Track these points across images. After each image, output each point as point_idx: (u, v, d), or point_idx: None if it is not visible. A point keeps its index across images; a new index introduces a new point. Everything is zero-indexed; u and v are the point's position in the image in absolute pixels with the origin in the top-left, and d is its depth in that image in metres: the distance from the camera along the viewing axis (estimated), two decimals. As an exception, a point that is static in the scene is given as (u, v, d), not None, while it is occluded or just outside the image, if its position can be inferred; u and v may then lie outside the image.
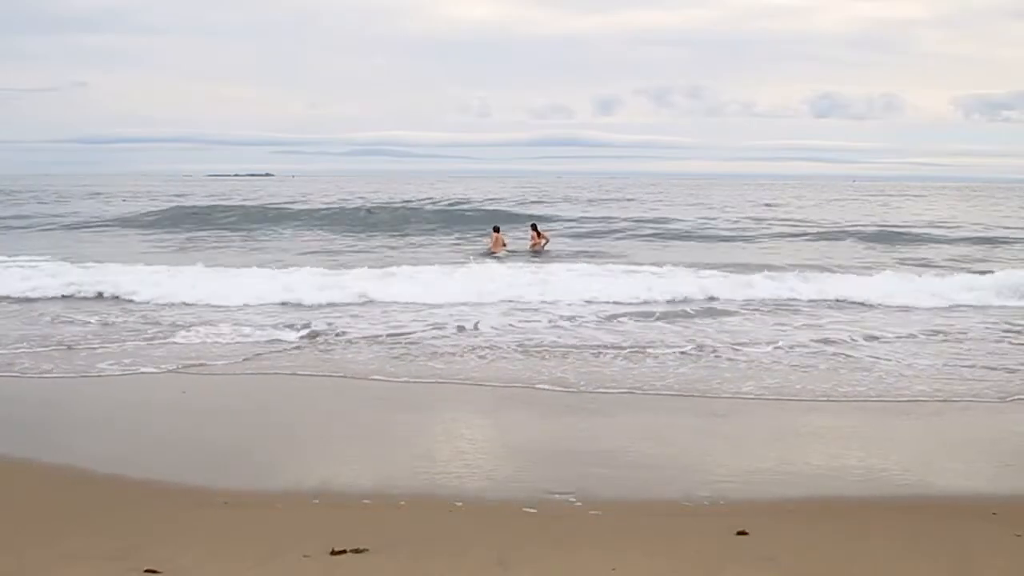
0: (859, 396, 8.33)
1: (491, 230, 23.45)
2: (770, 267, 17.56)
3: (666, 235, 29.55)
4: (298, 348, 10.51)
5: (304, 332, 11.33)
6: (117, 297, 14.23)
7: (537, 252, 22.57)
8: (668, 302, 14.13)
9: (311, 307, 13.42)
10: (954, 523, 5.10)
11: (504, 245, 22.29)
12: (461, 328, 11.76)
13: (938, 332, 11.67)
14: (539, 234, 23.42)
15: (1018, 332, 11.78)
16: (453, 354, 10.16)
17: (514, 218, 33.09)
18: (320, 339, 10.98)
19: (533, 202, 46.92)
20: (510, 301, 14.01)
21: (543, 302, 13.96)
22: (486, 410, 8.07)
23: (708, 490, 5.75)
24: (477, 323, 12.04)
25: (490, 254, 21.72)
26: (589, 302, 13.95)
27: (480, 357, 10.01)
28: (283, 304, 13.71)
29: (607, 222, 33.52)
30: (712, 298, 14.43)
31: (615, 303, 13.88)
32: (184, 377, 8.93)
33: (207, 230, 30.21)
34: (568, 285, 15.22)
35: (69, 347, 10.33)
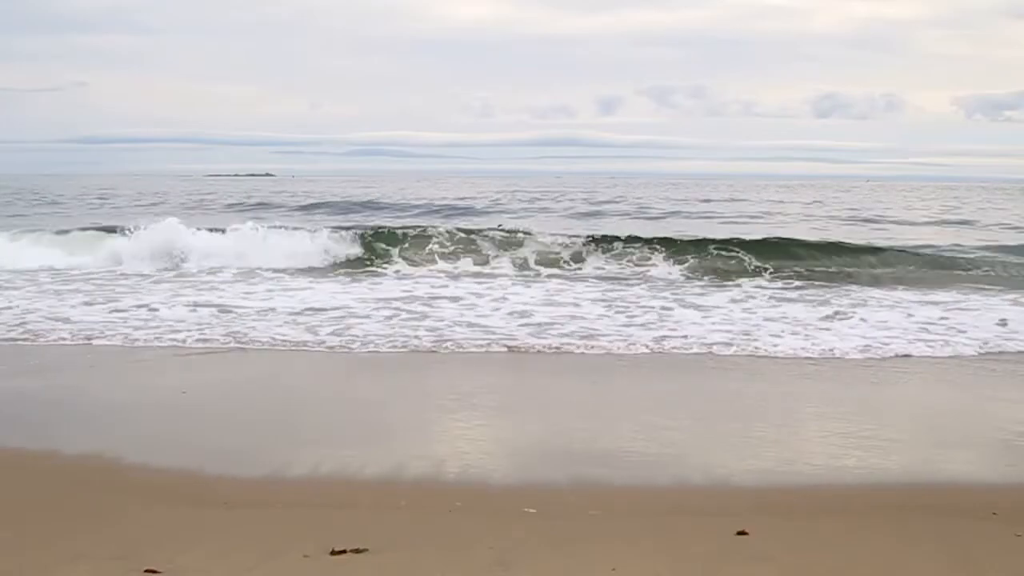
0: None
1: None
2: None
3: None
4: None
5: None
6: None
7: None
8: None
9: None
10: (954, 523, 5.10)
11: None
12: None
13: None
14: None
15: None
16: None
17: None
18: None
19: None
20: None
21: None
22: (487, 409, 8.07)
23: (708, 490, 5.76)
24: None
25: None
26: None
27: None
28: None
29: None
30: None
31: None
32: (184, 373, 8.95)
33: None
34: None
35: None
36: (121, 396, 8.37)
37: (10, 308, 12.80)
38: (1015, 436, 7.07)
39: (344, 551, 4.41)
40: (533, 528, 4.94)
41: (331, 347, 10.47)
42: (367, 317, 12.31)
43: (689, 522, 5.07)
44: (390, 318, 12.27)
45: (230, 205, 41.38)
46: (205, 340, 10.69)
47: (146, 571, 4.15)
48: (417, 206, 38.76)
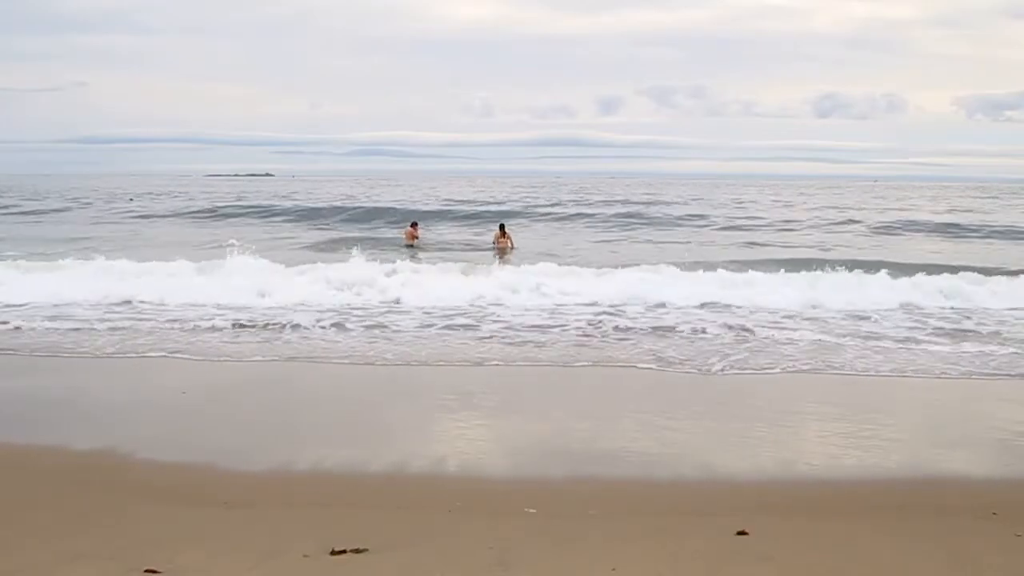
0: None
1: (409, 225, 25.94)
2: None
3: None
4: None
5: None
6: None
7: (502, 252, 22.77)
8: None
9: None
10: (954, 523, 5.10)
11: (416, 238, 24.68)
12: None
13: None
14: (504, 234, 23.67)
15: None
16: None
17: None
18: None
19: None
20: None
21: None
22: (487, 409, 8.07)
23: (708, 490, 5.76)
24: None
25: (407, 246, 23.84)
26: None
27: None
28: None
29: None
30: None
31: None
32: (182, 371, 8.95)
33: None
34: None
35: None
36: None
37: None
38: None
39: (344, 551, 4.41)
40: (533, 528, 4.94)
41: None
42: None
43: (689, 522, 5.07)
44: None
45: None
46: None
47: (146, 571, 4.14)
48: (522, 212, 38.84)
